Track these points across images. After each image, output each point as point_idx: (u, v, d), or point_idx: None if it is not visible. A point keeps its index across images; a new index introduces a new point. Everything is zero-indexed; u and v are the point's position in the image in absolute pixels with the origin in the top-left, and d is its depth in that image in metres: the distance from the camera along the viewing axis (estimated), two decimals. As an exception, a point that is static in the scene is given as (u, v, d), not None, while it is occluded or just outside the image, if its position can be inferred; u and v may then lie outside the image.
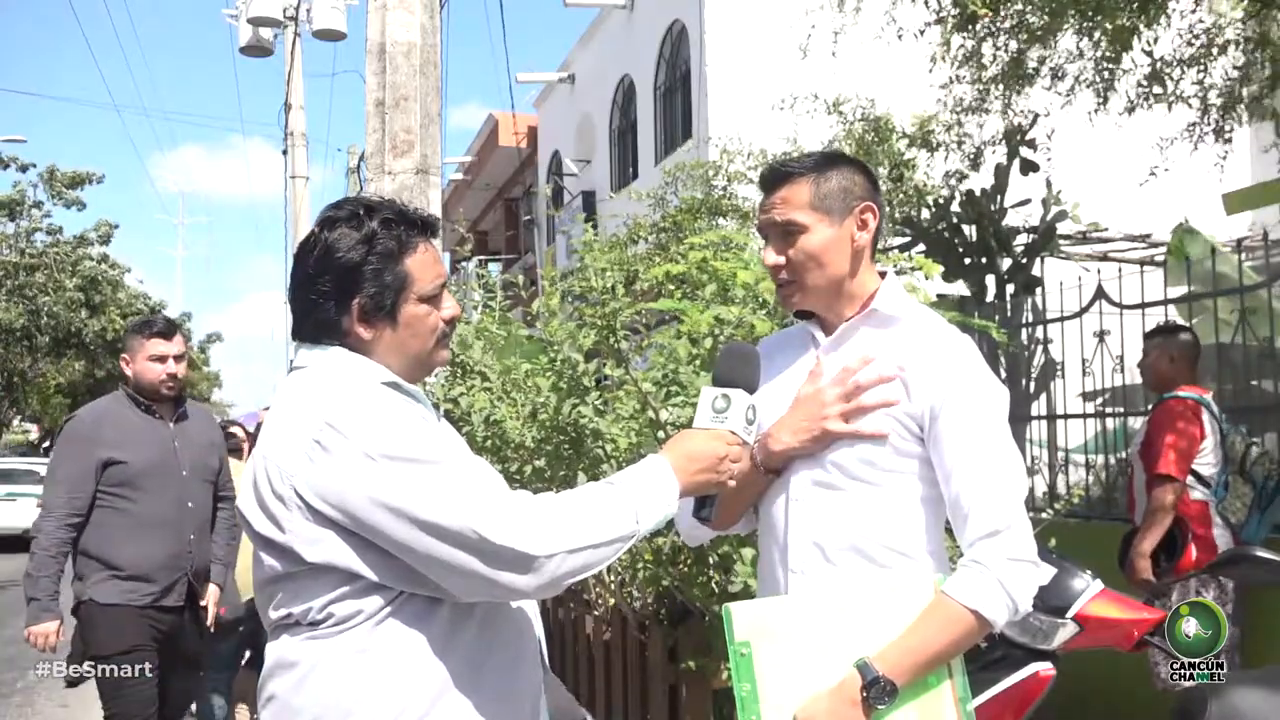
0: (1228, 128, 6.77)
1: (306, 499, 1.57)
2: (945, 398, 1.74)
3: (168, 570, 3.74)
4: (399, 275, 1.69)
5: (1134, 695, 4.01)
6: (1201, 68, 6.41)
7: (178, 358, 3.85)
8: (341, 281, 1.68)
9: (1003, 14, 6.01)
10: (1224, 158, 6.85)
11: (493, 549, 1.52)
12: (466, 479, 1.59)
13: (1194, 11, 6.25)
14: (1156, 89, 6.52)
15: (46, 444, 32.28)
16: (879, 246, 1.99)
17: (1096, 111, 6.87)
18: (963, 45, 6.81)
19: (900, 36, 7.00)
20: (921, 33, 6.77)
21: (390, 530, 1.54)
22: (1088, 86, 6.75)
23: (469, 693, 1.63)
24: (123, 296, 23.76)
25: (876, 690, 1.64)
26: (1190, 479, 4.03)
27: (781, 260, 1.85)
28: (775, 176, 1.89)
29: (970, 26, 6.33)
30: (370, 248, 1.68)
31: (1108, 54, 6.20)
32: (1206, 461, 4.07)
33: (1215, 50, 6.33)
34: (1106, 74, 6.51)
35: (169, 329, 3.90)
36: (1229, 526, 4.07)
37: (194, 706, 5.27)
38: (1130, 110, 6.73)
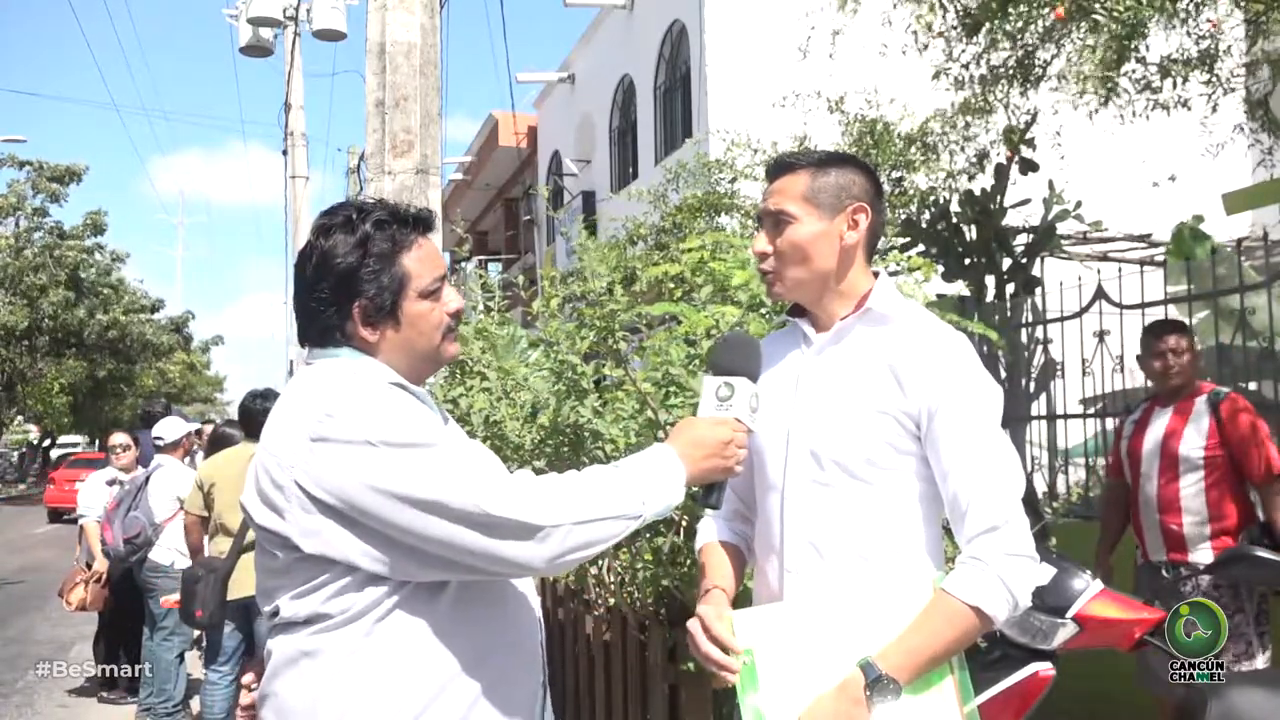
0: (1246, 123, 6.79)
1: (307, 489, 1.58)
2: (942, 397, 1.74)
3: None
4: (396, 274, 1.70)
5: (1134, 697, 4.00)
6: (1207, 68, 6.42)
7: None
8: (340, 287, 1.69)
9: (1004, 17, 6.03)
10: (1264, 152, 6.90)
11: (497, 522, 1.54)
12: (466, 459, 1.61)
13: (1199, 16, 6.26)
14: (1155, 93, 6.53)
15: (47, 444, 32.24)
16: (877, 249, 1.99)
17: (1097, 111, 6.88)
18: (964, 49, 6.82)
19: (905, 52, 7.02)
20: (925, 47, 6.79)
21: (391, 515, 1.55)
22: (1084, 89, 6.76)
23: (469, 686, 1.64)
24: (125, 296, 23.75)
25: (880, 688, 1.64)
26: None
27: (769, 249, 1.88)
28: (777, 166, 1.93)
29: (974, 35, 6.35)
30: (365, 250, 1.69)
31: (1109, 55, 6.22)
32: None
33: (1221, 51, 6.34)
34: (1108, 79, 6.53)
35: None
36: None
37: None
38: (1133, 113, 6.74)
